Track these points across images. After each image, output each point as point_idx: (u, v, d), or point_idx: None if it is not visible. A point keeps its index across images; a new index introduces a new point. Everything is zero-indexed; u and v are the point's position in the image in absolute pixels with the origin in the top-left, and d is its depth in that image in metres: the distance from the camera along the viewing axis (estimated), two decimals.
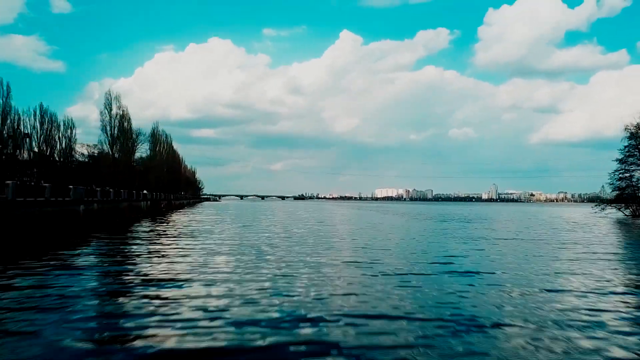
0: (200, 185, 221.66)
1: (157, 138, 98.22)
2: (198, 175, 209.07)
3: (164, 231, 32.01)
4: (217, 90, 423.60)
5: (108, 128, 64.26)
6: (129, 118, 69.18)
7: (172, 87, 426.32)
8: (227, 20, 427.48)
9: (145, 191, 58.61)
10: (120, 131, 66.74)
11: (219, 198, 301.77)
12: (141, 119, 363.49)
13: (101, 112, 63.96)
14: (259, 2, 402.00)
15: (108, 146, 65.12)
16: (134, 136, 74.60)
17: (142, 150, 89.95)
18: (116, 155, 66.68)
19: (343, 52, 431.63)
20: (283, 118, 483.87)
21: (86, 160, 76.39)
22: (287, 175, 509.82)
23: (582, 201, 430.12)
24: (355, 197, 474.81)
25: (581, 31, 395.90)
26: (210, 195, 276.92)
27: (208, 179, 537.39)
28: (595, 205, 72.43)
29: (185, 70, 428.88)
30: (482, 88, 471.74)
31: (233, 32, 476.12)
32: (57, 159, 74.63)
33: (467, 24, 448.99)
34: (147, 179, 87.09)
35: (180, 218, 51.27)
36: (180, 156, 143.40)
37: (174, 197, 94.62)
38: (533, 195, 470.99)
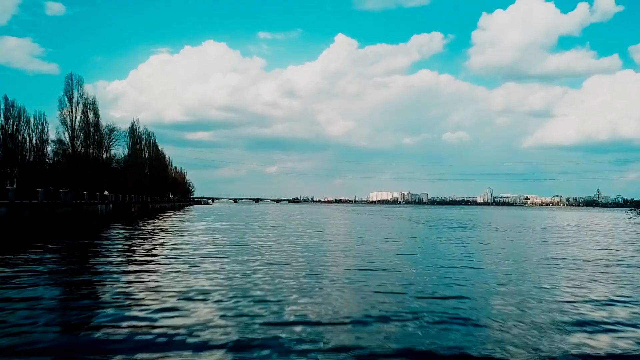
0: (190, 188, 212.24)
1: (136, 135, 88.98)
2: (188, 178, 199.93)
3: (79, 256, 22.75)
4: (211, 93, 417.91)
5: (68, 119, 55.05)
6: (97, 108, 59.99)
7: (166, 89, 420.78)
8: (223, 23, 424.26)
9: (106, 192, 49.29)
10: (85, 123, 57.56)
11: (212, 201, 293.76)
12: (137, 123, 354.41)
13: (60, 100, 54.80)
14: (255, 5, 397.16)
15: (68, 140, 55.89)
16: (104, 130, 65.40)
17: (120, 149, 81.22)
18: (80, 150, 57.49)
19: (338, 55, 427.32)
20: (278, 121, 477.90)
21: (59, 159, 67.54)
22: (282, 178, 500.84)
23: (578, 205, 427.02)
24: (350, 201, 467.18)
25: (574, 36, 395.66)
26: (201, 198, 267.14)
27: (202, 182, 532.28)
28: (630, 210, 64.47)
29: (180, 73, 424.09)
30: (476, 92, 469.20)
31: (228, 35, 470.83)
32: (26, 157, 65.73)
33: (461, 28, 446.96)
34: (125, 179, 78.38)
35: (144, 227, 42.10)
36: (167, 157, 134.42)
37: (154, 200, 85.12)
38: (528, 198, 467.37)
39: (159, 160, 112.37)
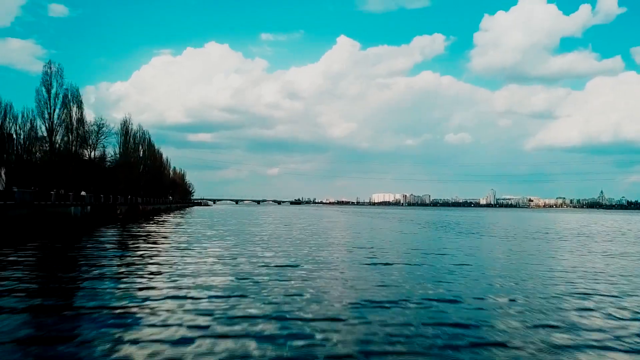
0: (190, 189, 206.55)
1: (128, 133, 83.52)
2: (188, 179, 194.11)
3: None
4: (213, 95, 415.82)
5: (45, 112, 49.63)
6: (80, 101, 54.70)
7: (169, 91, 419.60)
8: (225, 24, 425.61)
9: (83, 192, 43.89)
10: (66, 116, 52.19)
11: (214, 202, 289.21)
12: (137, 123, 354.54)
13: (37, 91, 49.36)
14: (257, 7, 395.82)
15: (46, 134, 50.56)
16: (91, 127, 60.17)
17: (112, 148, 76.21)
18: (59, 146, 52.20)
19: (340, 57, 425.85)
20: (280, 122, 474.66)
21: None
22: (283, 179, 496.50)
23: (582, 207, 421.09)
24: (352, 202, 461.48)
25: (576, 37, 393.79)
26: (201, 199, 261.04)
27: (204, 183, 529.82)
28: None
29: (183, 74, 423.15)
30: (478, 93, 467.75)
31: (230, 37, 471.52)
32: (12, 156, 60.56)
33: (463, 29, 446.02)
34: (115, 179, 73.58)
35: (120, 232, 36.66)
36: (164, 157, 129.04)
37: (146, 201, 79.75)
38: (531, 200, 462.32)
39: (154, 159, 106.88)
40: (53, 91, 49.83)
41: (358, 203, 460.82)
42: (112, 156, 78.22)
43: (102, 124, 64.69)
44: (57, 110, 50.30)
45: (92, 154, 65.26)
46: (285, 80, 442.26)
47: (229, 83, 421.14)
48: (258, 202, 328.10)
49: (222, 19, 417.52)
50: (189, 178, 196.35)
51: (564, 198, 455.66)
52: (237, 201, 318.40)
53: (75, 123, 53.84)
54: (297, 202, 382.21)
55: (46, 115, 49.67)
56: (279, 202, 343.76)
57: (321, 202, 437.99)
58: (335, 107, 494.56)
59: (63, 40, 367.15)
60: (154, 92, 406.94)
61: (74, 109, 53.78)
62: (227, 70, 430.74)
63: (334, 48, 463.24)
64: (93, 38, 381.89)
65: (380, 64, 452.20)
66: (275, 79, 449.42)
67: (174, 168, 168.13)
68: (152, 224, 49.24)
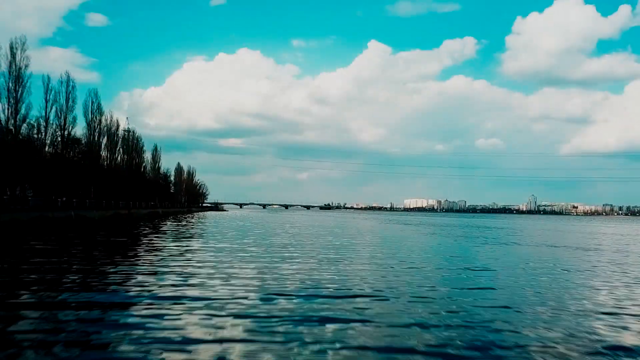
0: (202, 191, 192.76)
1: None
2: (199, 179, 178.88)
3: None
4: (244, 101, 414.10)
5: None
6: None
7: (200, 96, 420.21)
8: (257, 31, 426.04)
9: None
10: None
11: (240, 206, 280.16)
12: (169, 129, 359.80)
13: None
14: (289, 14, 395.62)
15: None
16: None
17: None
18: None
19: (371, 62, 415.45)
20: (309, 128, 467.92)
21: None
22: (313, 184, 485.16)
23: (633, 214, 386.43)
24: (385, 208, 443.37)
25: (614, 39, 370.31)
26: (215, 203, 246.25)
27: (233, 188, 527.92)
28: None
29: (214, 80, 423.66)
30: (511, 98, 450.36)
31: (262, 43, 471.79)
32: None
33: (495, 33, 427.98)
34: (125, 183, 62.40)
35: None
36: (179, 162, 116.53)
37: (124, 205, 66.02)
38: (576, 207, 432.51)
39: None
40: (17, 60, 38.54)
41: (392, 209, 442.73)
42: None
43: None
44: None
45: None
46: (315, 86, 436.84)
47: (259, 89, 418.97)
48: (286, 206, 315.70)
49: (254, 25, 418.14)
50: (201, 179, 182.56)
51: (612, 205, 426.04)
52: (264, 205, 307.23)
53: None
54: (327, 207, 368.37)
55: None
56: (308, 207, 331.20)
57: (352, 207, 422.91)
58: (365, 112, 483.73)
59: (101, 48, 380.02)
60: (186, 98, 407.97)
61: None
62: (258, 76, 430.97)
63: (365, 53, 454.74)
64: (129, 45, 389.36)
65: (410, 69, 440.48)
66: (305, 84, 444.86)
67: (188, 168, 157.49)
68: None
